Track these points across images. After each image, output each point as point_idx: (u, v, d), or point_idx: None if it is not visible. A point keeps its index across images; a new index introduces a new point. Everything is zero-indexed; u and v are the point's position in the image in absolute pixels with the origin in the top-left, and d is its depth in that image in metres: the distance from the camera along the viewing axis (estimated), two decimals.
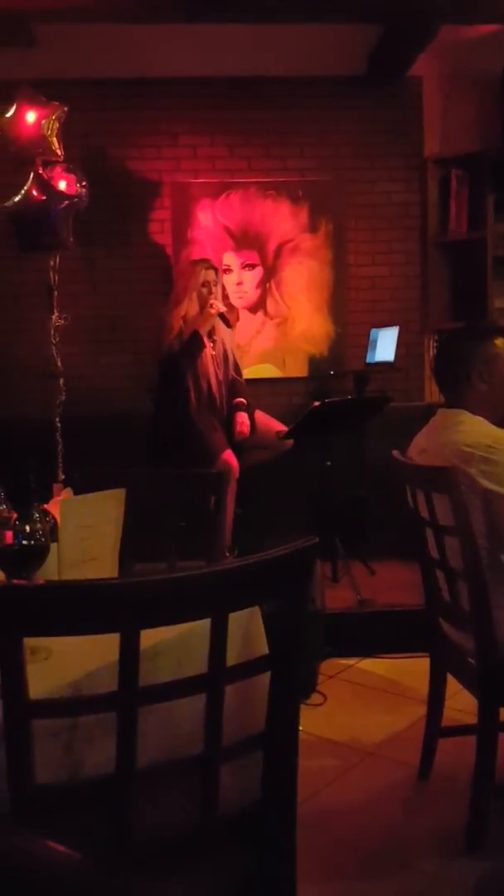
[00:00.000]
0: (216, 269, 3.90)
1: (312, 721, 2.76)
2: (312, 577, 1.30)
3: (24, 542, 1.37)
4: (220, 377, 3.87)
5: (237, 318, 4.44)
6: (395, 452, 2.31)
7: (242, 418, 3.86)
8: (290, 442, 3.88)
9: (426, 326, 4.62)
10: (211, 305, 3.77)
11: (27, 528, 1.38)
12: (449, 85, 4.49)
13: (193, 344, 3.75)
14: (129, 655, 1.08)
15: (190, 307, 3.79)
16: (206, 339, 3.80)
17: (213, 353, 3.85)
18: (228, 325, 3.95)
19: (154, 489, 2.30)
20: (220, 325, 3.88)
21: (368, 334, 4.26)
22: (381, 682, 3.13)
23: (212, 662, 1.17)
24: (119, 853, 1.13)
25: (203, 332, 3.77)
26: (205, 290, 3.80)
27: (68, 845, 0.62)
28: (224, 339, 3.92)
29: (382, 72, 4.38)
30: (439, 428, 2.23)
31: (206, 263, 3.89)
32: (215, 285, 3.84)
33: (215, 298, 3.81)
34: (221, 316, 3.84)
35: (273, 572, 1.19)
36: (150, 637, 1.13)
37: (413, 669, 2.97)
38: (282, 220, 4.50)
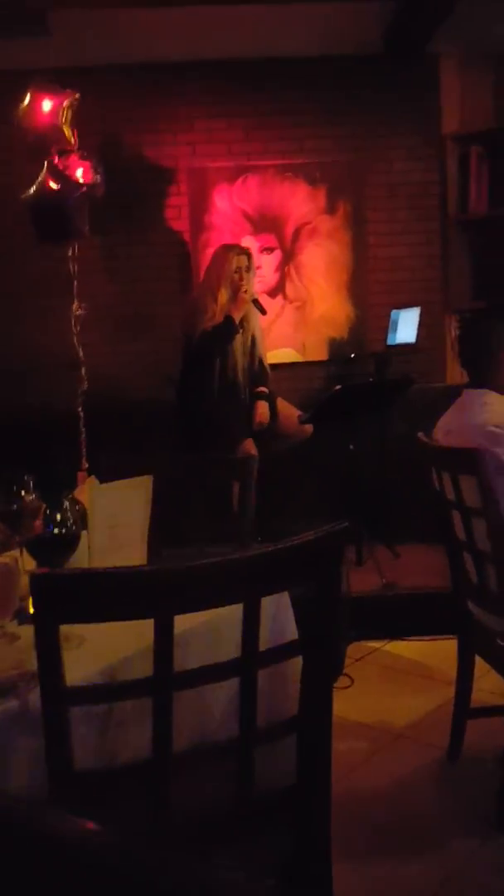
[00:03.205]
0: (249, 255, 3.82)
1: (340, 704, 2.72)
2: (343, 561, 1.30)
3: (56, 531, 1.38)
4: (245, 366, 3.85)
5: None
6: (421, 435, 2.30)
7: (262, 408, 3.83)
8: (311, 429, 3.85)
9: (448, 306, 4.57)
10: (245, 292, 3.73)
11: (58, 516, 1.38)
12: (467, 61, 4.42)
13: (226, 329, 3.71)
14: (165, 641, 1.09)
15: (223, 293, 3.74)
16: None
17: (242, 340, 3.81)
18: (262, 311, 3.87)
19: (180, 475, 2.30)
20: (252, 314, 3.83)
21: (389, 316, 4.22)
22: (408, 665, 3.14)
23: (245, 647, 1.17)
24: (157, 837, 1.15)
25: (236, 318, 3.73)
26: (236, 276, 3.73)
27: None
28: (254, 328, 3.87)
29: (399, 49, 4.31)
30: (464, 408, 2.22)
31: (237, 249, 3.84)
32: (247, 271, 3.77)
33: (248, 284, 3.75)
34: (255, 302, 3.79)
35: (306, 556, 1.19)
36: (179, 624, 1.13)
37: (440, 651, 2.97)
38: (299, 202, 4.46)
